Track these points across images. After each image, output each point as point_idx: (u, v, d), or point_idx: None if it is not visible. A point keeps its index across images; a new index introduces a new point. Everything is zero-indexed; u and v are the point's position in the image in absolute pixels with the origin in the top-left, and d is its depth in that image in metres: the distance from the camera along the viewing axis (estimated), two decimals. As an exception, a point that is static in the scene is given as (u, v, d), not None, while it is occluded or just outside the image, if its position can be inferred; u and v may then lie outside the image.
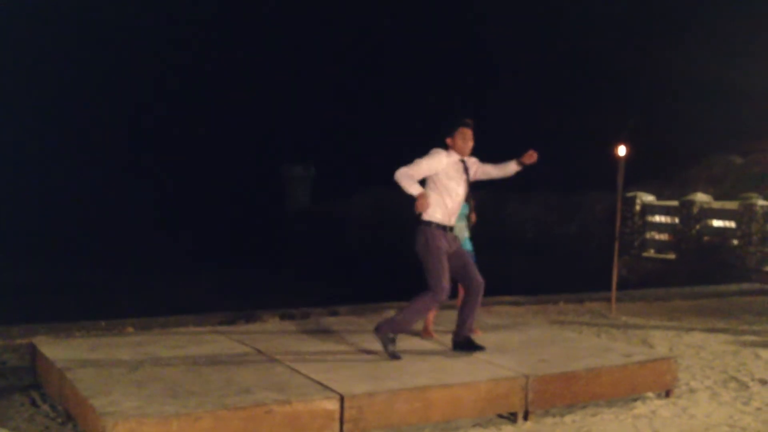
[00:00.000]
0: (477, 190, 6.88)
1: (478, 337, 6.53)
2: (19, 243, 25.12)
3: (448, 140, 5.91)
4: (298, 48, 45.19)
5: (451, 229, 5.94)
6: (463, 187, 5.92)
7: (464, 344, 5.97)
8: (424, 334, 6.59)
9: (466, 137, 5.89)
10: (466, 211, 6.70)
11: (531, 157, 6.00)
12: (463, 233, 6.79)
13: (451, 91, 36.31)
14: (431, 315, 6.69)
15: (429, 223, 5.84)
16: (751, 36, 26.12)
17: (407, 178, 5.69)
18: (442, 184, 5.84)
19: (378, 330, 5.82)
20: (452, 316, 6.96)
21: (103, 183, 37.61)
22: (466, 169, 5.94)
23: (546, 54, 35.15)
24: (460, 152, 5.92)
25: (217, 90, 44.88)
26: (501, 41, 36.61)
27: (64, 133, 41.14)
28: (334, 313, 8.44)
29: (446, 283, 5.79)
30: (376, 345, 5.95)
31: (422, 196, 5.66)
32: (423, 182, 5.90)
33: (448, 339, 6.18)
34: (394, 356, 5.70)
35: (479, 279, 5.96)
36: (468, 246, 6.82)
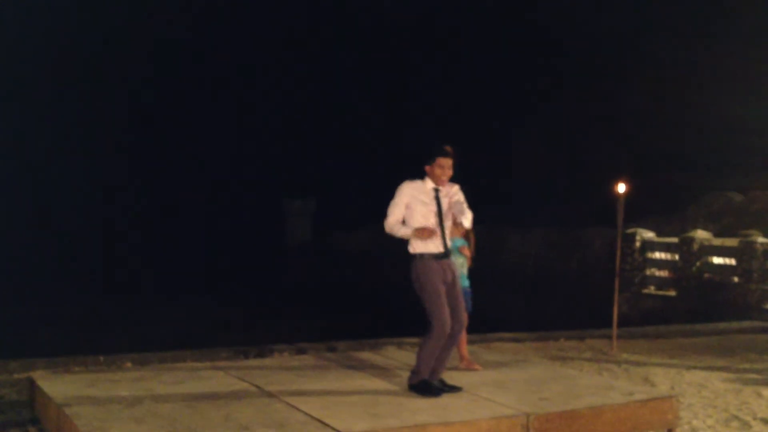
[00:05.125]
0: (476, 225, 6.90)
1: (479, 374, 6.49)
2: (14, 277, 25.06)
3: (427, 168, 5.87)
4: (300, 81, 45.52)
5: (444, 255, 5.83)
6: (434, 215, 5.80)
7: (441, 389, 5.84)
8: (468, 364, 6.69)
9: (444, 167, 5.81)
10: (461, 245, 6.71)
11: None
12: (462, 268, 6.79)
13: (455, 126, 36.50)
14: (465, 348, 6.76)
15: (417, 256, 5.81)
16: (752, 73, 26.35)
17: (396, 227, 5.80)
18: (413, 214, 5.79)
19: (411, 387, 5.78)
20: (453, 352, 6.92)
21: (97, 216, 37.59)
22: (437, 198, 5.84)
23: (544, 91, 35.41)
24: (435, 181, 5.85)
25: (218, 123, 45.10)
26: (505, 80, 36.91)
27: (57, 164, 41.21)
28: (333, 349, 8.40)
29: (446, 315, 5.70)
30: (375, 381, 5.91)
31: (417, 231, 5.72)
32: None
33: (448, 376, 6.13)
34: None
35: (462, 319, 5.88)
36: (465, 282, 6.81)
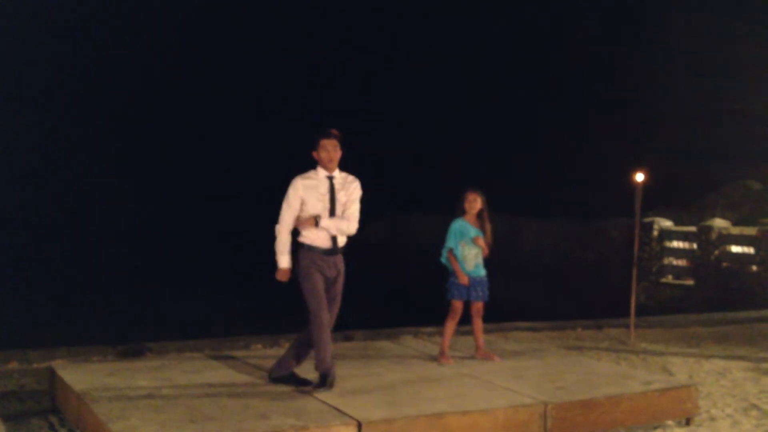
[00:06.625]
0: (493, 214, 6.88)
1: (496, 363, 6.48)
2: (24, 271, 25.20)
3: (314, 154, 5.76)
4: (310, 71, 45.49)
5: (331, 251, 5.65)
6: (329, 207, 5.61)
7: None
8: (442, 359, 6.54)
9: (328, 149, 5.67)
10: (476, 234, 6.69)
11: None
12: (478, 259, 6.76)
13: (466, 118, 36.36)
14: (446, 341, 6.65)
15: (304, 246, 5.64)
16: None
17: (282, 243, 5.60)
18: (307, 209, 5.63)
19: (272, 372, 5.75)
20: (470, 341, 6.93)
21: (106, 207, 37.73)
22: (332, 189, 5.67)
23: (562, 81, 35.21)
24: (324, 166, 5.69)
25: (226, 114, 45.18)
26: (519, 68, 36.71)
27: (65, 156, 41.45)
28: (350, 338, 8.42)
29: (323, 306, 5.60)
30: (392, 370, 5.90)
31: (282, 273, 5.62)
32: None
33: (465, 365, 6.14)
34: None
35: (333, 320, 5.78)
36: (481, 271, 6.78)
